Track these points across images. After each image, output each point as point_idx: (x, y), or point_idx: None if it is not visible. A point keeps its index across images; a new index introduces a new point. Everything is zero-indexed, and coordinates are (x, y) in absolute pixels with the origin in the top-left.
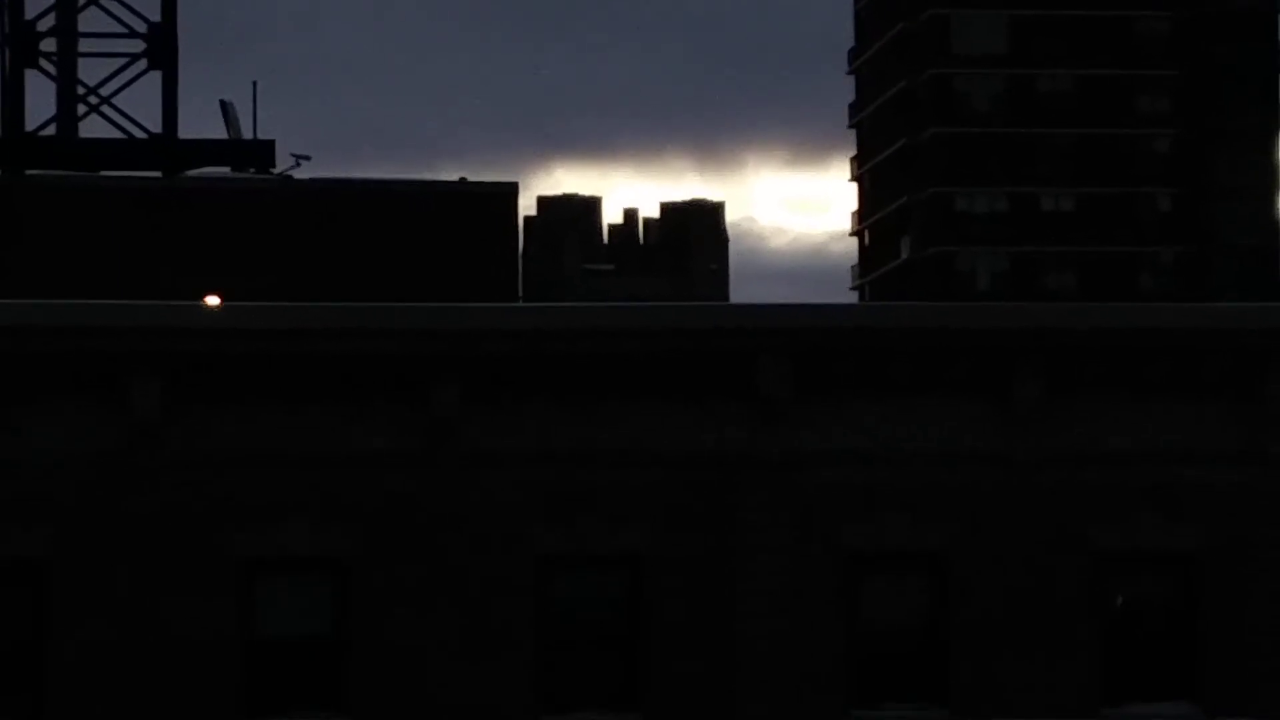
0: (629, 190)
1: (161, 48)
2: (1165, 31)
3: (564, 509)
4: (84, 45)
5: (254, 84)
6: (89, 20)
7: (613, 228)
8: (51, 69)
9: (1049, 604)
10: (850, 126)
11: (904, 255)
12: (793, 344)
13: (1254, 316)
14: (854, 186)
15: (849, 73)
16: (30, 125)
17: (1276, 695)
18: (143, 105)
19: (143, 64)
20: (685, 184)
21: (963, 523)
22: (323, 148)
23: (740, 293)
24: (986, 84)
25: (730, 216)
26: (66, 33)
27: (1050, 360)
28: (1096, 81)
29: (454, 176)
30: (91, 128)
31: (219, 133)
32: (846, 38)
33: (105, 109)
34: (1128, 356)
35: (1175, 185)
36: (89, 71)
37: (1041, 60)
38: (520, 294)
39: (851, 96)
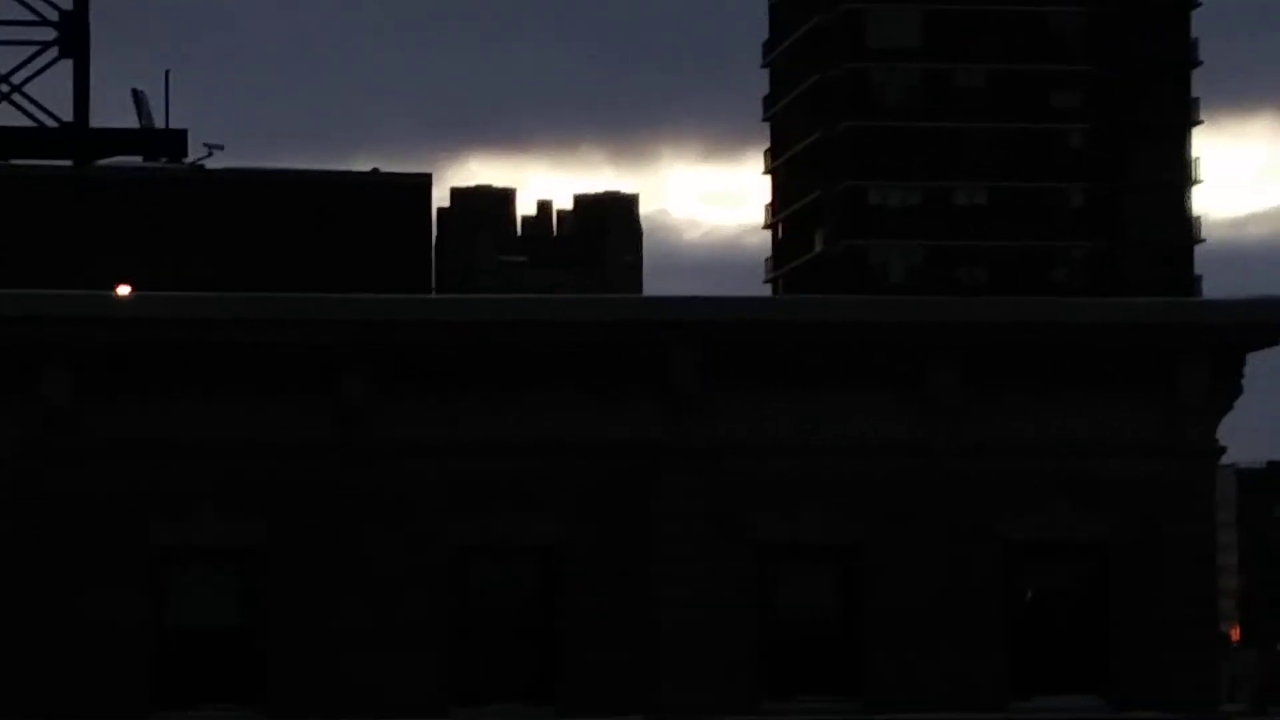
0: (543, 182)
1: (73, 36)
2: (1079, 26)
3: (477, 499)
4: None
5: (167, 73)
6: (0, 8)
7: (526, 219)
8: None
9: (962, 595)
10: (764, 120)
11: (818, 248)
12: (706, 336)
13: (1166, 311)
14: (768, 180)
15: (763, 66)
16: None
17: (1185, 687)
18: (54, 94)
19: (54, 52)
20: (600, 176)
21: (876, 514)
22: (236, 138)
23: (654, 285)
24: (901, 78)
25: (644, 209)
26: None
27: (963, 353)
28: (1010, 76)
29: (368, 168)
30: (2, 116)
31: (131, 122)
32: (761, 31)
33: (16, 97)
34: (1040, 350)
35: (1089, 180)
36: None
37: (956, 54)
38: (433, 285)
39: (766, 90)
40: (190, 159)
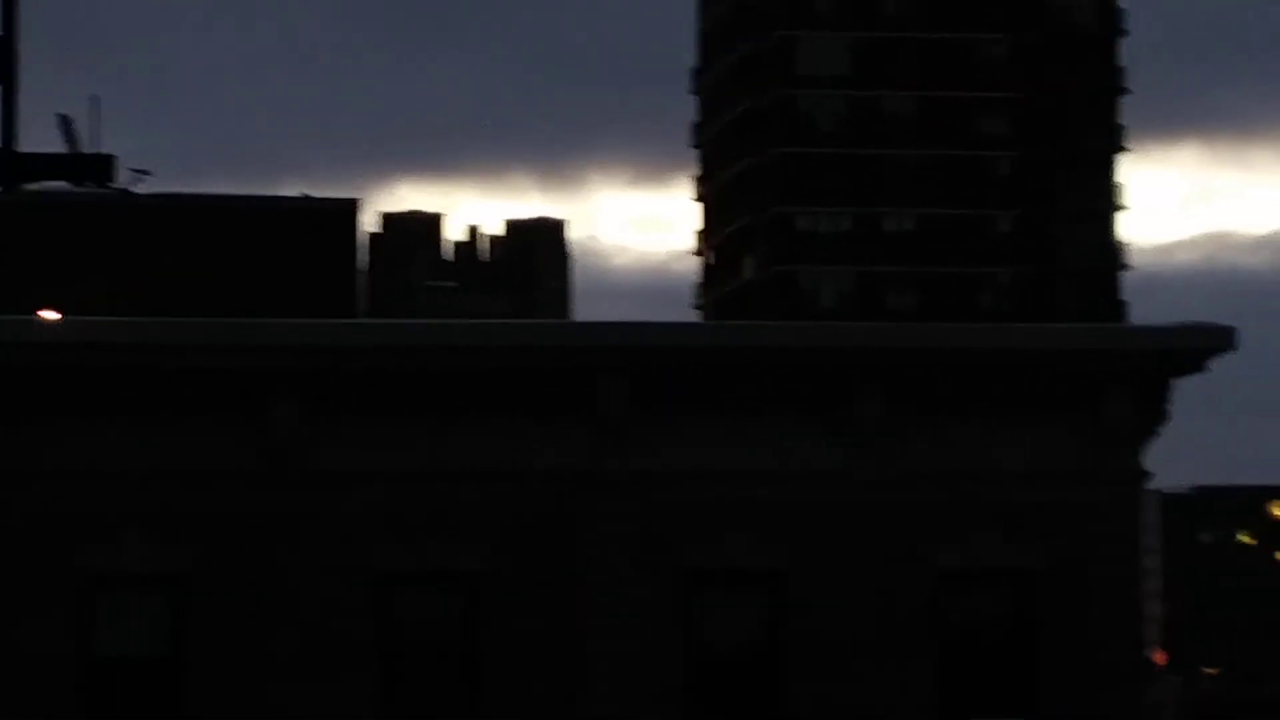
0: (473, 207)
1: (1, 62)
2: (1006, 54)
3: (405, 527)
4: None
5: (94, 98)
6: None
7: (456, 245)
8: None
9: (889, 622)
10: (693, 146)
11: (747, 274)
12: (634, 362)
13: (1092, 337)
14: (697, 206)
15: (692, 92)
16: None
17: (1111, 712)
18: None
19: None
20: (529, 202)
21: (803, 541)
22: (164, 163)
23: (583, 311)
24: (830, 104)
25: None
26: None
27: (891, 380)
28: (938, 103)
29: (296, 193)
30: None
31: (58, 147)
32: (690, 58)
33: None
34: (968, 376)
35: (1016, 207)
36: None
37: (884, 82)
38: (362, 310)
39: (695, 116)
40: (117, 184)
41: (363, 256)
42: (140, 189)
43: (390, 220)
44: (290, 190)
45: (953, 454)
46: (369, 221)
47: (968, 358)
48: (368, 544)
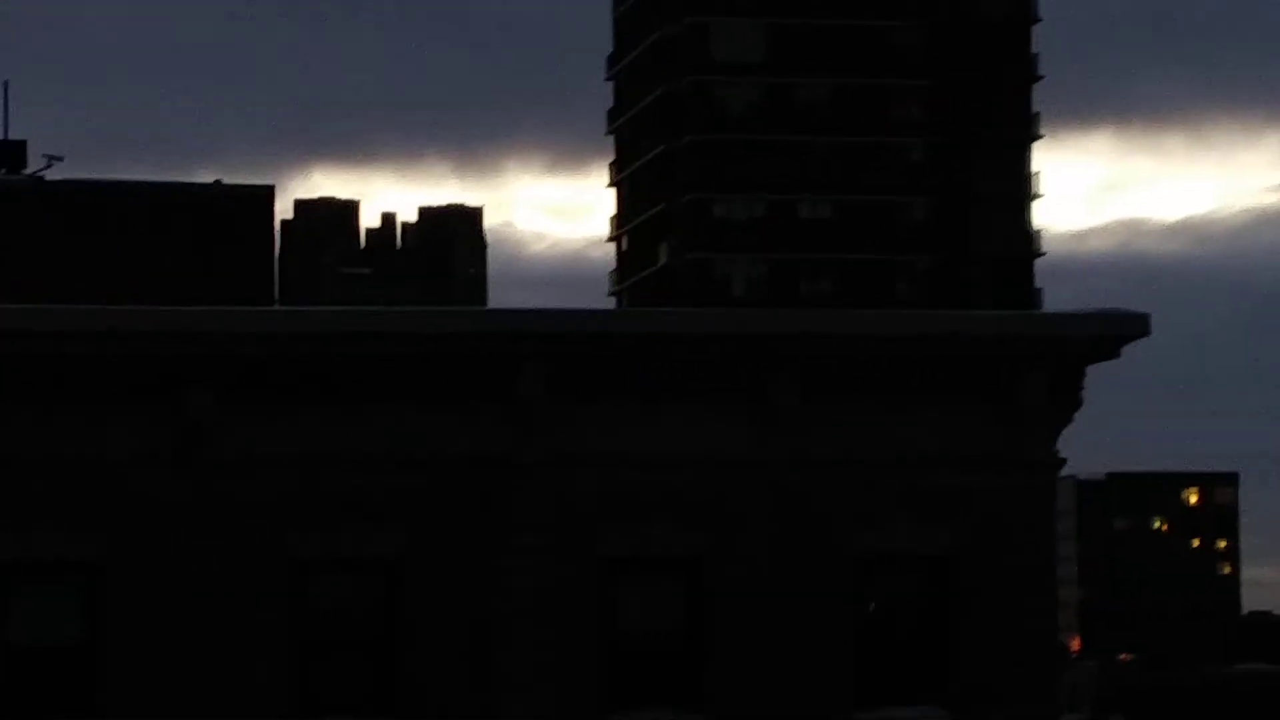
0: (387, 194)
1: None
2: (921, 41)
3: (321, 513)
4: None
5: (4, 83)
6: None
7: (370, 231)
8: None
9: (805, 608)
10: (609, 133)
11: (662, 261)
12: (551, 349)
13: (1006, 323)
14: (613, 192)
15: (608, 79)
16: None
17: (1026, 697)
18: None
19: None
20: (444, 189)
21: (720, 527)
22: (76, 148)
23: (499, 298)
24: (745, 91)
25: (489, 221)
26: None
27: (807, 366)
28: (853, 90)
29: (210, 179)
30: None
31: None
32: (605, 44)
33: None
34: (883, 363)
35: (931, 194)
36: None
37: (799, 68)
38: (276, 297)
39: (610, 102)
40: (29, 170)
41: (277, 243)
42: (52, 175)
43: (304, 207)
44: (204, 177)
45: (868, 440)
46: (283, 209)
47: (882, 344)
48: (284, 529)
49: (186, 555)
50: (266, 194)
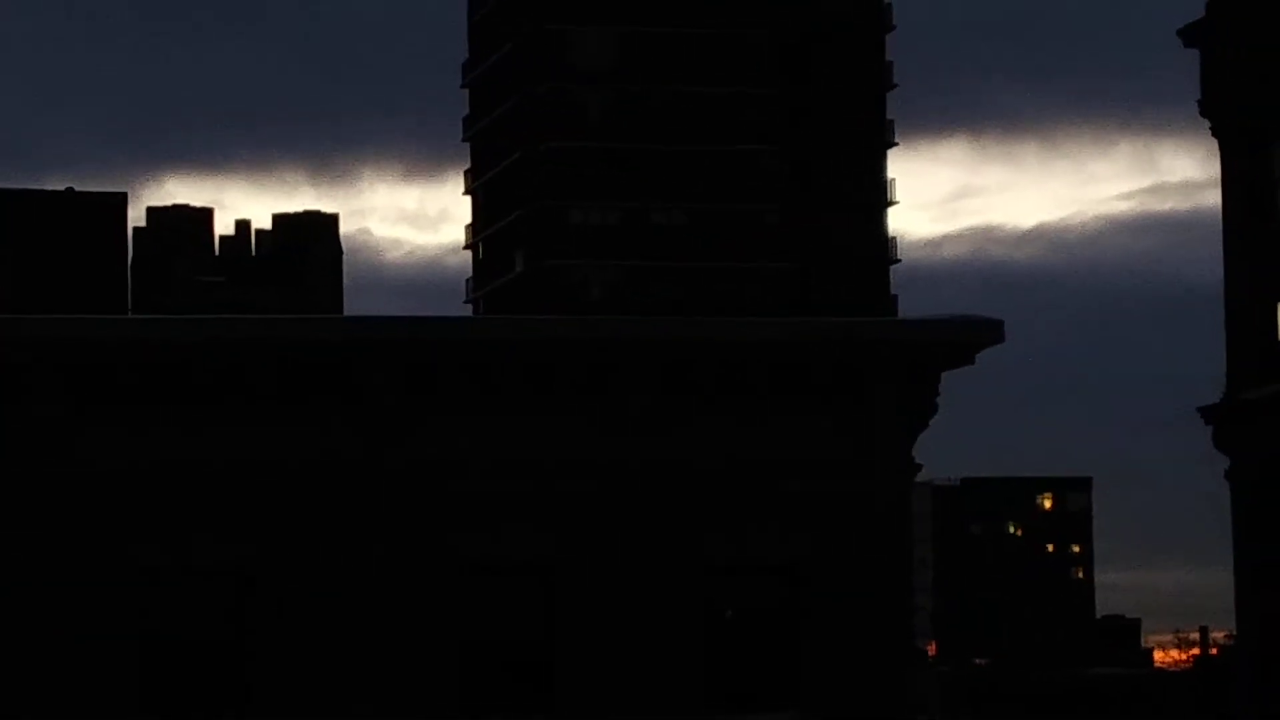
0: (242, 202)
1: None
2: (775, 49)
3: (171, 521)
4: None
5: None
6: None
7: (225, 239)
8: None
9: (657, 613)
10: (465, 140)
11: (518, 268)
12: (403, 356)
13: (861, 330)
14: (469, 200)
15: (463, 86)
16: None
17: (881, 702)
18: None
19: None
20: (300, 196)
21: (572, 532)
22: None
23: (355, 305)
24: (599, 98)
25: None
26: None
27: (661, 372)
28: (707, 97)
29: (61, 186)
30: None
31: None
32: (460, 51)
33: None
34: (738, 369)
35: (785, 200)
36: None
37: (653, 76)
38: (129, 305)
39: (466, 110)
40: None
41: (130, 251)
42: None
43: (157, 214)
44: (56, 184)
45: (722, 446)
46: (136, 216)
47: (737, 350)
48: (133, 537)
49: (35, 561)
50: (119, 201)
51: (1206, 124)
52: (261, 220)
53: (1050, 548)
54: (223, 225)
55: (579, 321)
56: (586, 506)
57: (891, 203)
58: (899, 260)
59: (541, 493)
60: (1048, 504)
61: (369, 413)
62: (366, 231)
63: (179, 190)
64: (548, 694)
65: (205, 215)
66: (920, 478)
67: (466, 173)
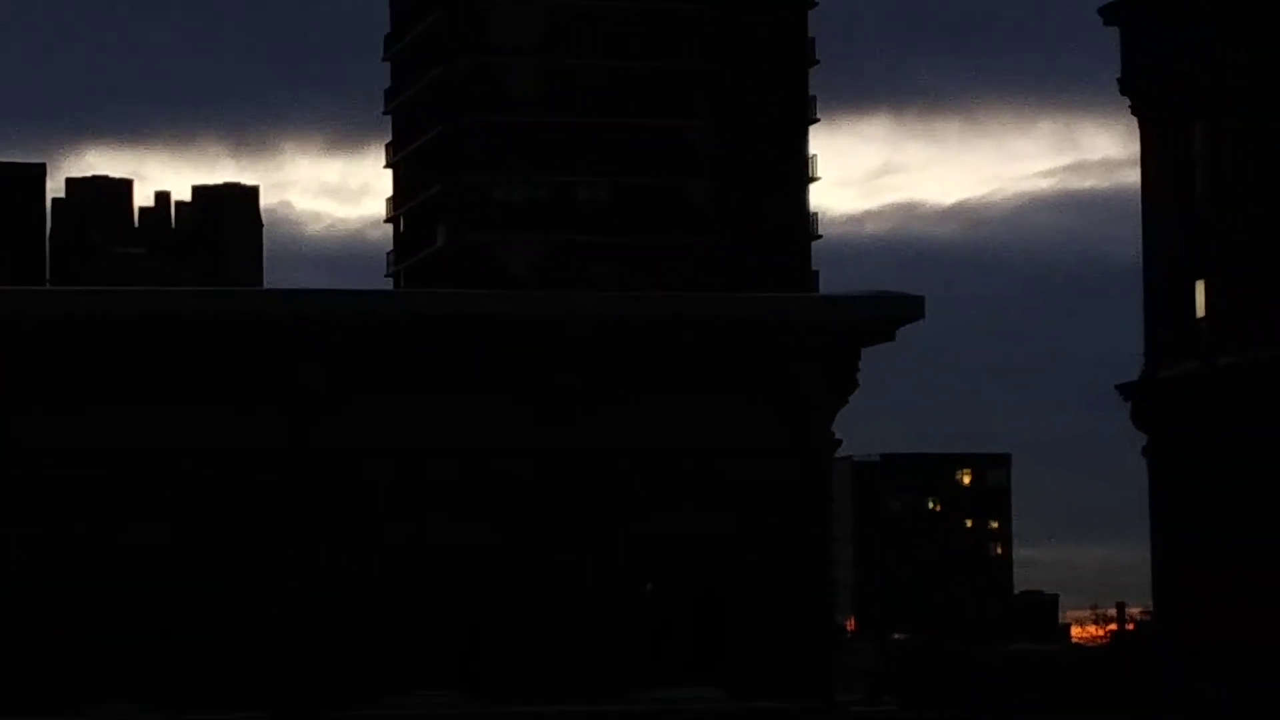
0: (162, 174)
1: None
2: (699, 24)
3: (98, 502)
4: None
5: None
6: None
7: (144, 210)
8: None
9: (586, 592)
10: (386, 113)
11: (440, 242)
12: (328, 331)
13: (782, 306)
14: (390, 173)
15: (385, 59)
16: None
17: (803, 678)
18: None
19: None
20: (220, 168)
21: (502, 513)
22: None
23: (275, 278)
24: (524, 72)
25: (265, 201)
26: None
27: (586, 349)
28: (633, 72)
29: None
30: None
31: None
32: (383, 23)
33: None
34: (660, 346)
35: (709, 176)
36: None
37: (579, 50)
38: (48, 276)
39: (388, 83)
40: None
41: (48, 222)
42: None
43: (76, 185)
44: None
45: (647, 424)
46: (54, 187)
47: (663, 327)
48: (64, 518)
49: None
50: (37, 172)
51: (1127, 102)
52: (181, 192)
53: (969, 523)
54: (142, 197)
55: (504, 296)
56: (515, 487)
57: (814, 179)
58: (820, 236)
59: (470, 473)
60: (967, 480)
61: (293, 390)
62: (287, 204)
63: (98, 161)
64: (480, 673)
65: (125, 186)
66: (840, 453)
67: (388, 146)
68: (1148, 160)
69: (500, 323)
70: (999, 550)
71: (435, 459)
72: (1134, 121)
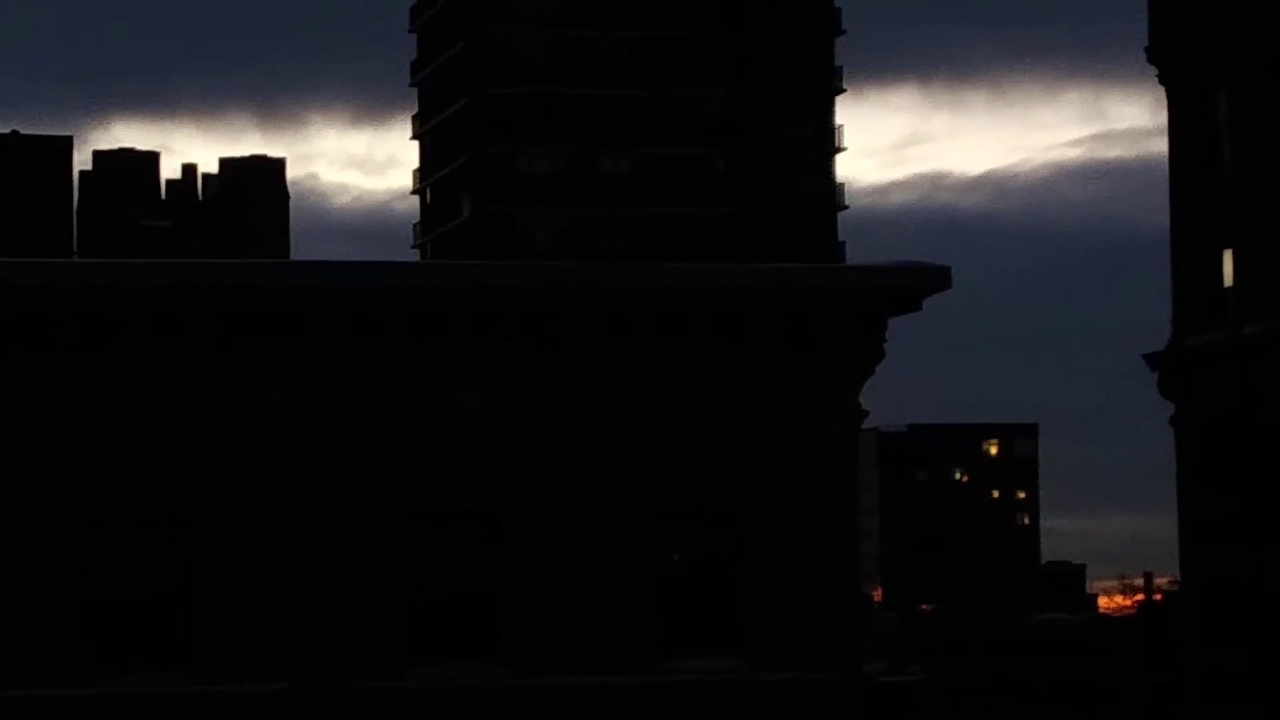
0: (189, 147)
1: None
2: None
3: (110, 469)
4: None
5: None
6: None
7: (171, 183)
8: None
9: (601, 562)
10: (412, 85)
11: (465, 214)
12: (348, 302)
13: (808, 276)
14: (416, 145)
15: (411, 30)
16: None
17: (814, 647)
18: None
19: None
20: (247, 141)
21: (516, 482)
22: None
23: (302, 250)
24: (547, 44)
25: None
26: None
27: (604, 319)
28: (654, 43)
29: (6, 129)
30: None
31: None
32: None
33: None
34: (684, 316)
35: (732, 147)
36: None
37: (601, 21)
38: (75, 249)
39: (414, 54)
40: None
41: (76, 195)
42: None
43: (103, 158)
44: (1, 128)
45: (666, 394)
46: (82, 160)
47: (684, 297)
48: (71, 486)
49: None
50: (64, 145)
51: (1154, 71)
52: (208, 165)
53: (996, 494)
54: (169, 169)
55: (524, 267)
56: (531, 454)
57: (839, 149)
58: (846, 207)
59: (486, 440)
60: (994, 450)
61: (310, 359)
62: (314, 176)
63: (125, 134)
64: (494, 641)
65: (151, 159)
66: (867, 424)
67: (414, 118)
68: (1175, 130)
69: (516, 293)
70: (1026, 520)
71: (453, 428)
72: (1162, 91)
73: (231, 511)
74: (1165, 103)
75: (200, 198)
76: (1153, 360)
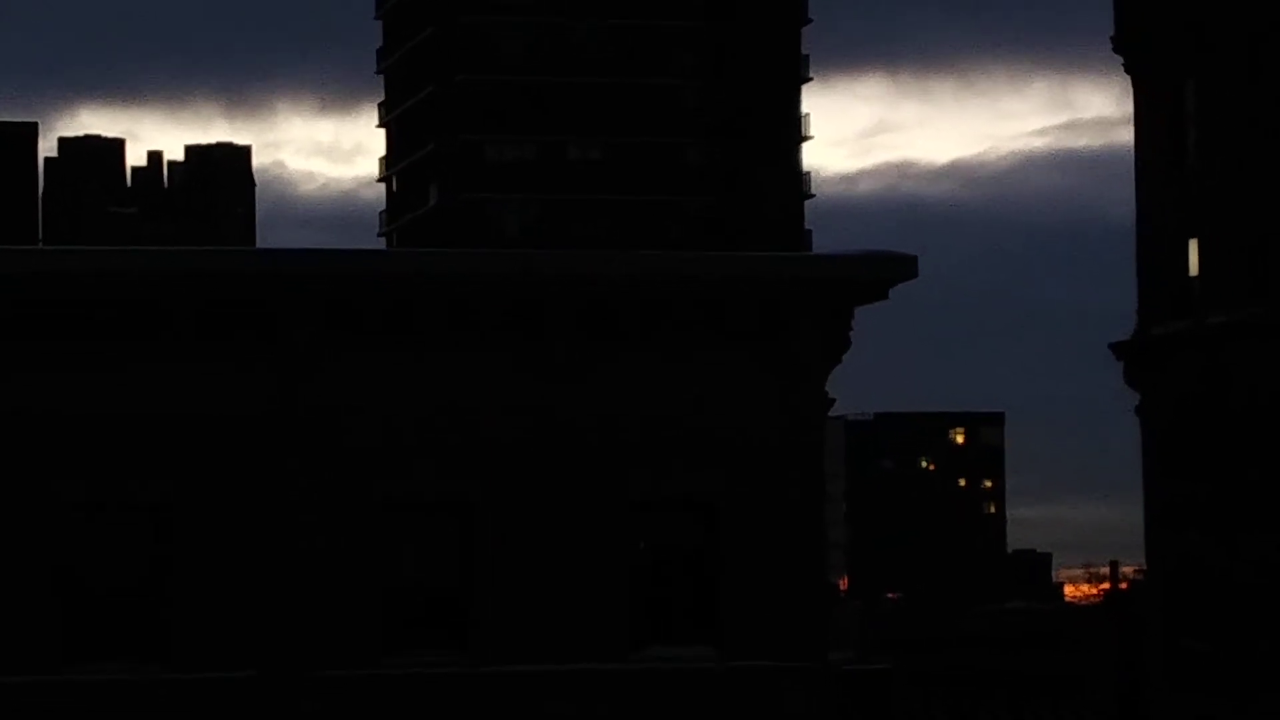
0: (156, 134)
1: None
2: None
3: (87, 459)
4: None
5: None
6: None
7: (137, 170)
8: None
9: (578, 551)
10: (379, 72)
11: (432, 202)
12: (320, 290)
13: (776, 266)
14: (383, 132)
15: (377, 17)
16: None
17: (795, 636)
18: None
19: None
20: (213, 128)
21: (493, 471)
22: None
23: (268, 238)
24: (517, 32)
25: (258, 161)
26: None
27: (577, 308)
28: (626, 31)
29: None
30: None
31: None
32: None
33: None
34: (655, 305)
35: (703, 136)
36: None
37: (572, 9)
38: (40, 236)
39: (380, 42)
40: None
41: (41, 181)
42: None
43: (68, 145)
44: None
45: (638, 383)
46: (47, 147)
47: (654, 286)
48: (50, 474)
49: None
50: (30, 131)
51: (1120, 61)
52: (174, 152)
53: (962, 483)
54: (135, 156)
55: (496, 256)
56: (506, 444)
57: (807, 138)
58: (814, 195)
59: (461, 430)
60: (960, 439)
61: (284, 348)
62: (280, 164)
63: (92, 121)
64: (470, 629)
65: (117, 146)
66: (833, 413)
67: (380, 105)
68: (1141, 119)
69: (490, 282)
70: (992, 509)
71: (426, 418)
72: (1128, 80)
73: (207, 502)
74: (1131, 92)
75: (166, 185)
76: (1119, 349)
